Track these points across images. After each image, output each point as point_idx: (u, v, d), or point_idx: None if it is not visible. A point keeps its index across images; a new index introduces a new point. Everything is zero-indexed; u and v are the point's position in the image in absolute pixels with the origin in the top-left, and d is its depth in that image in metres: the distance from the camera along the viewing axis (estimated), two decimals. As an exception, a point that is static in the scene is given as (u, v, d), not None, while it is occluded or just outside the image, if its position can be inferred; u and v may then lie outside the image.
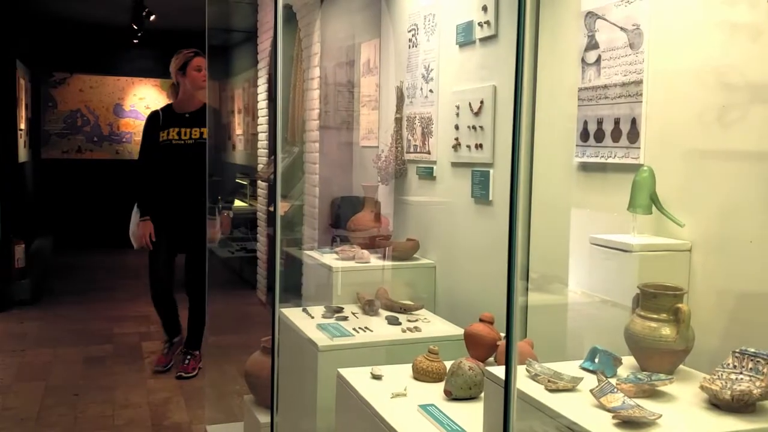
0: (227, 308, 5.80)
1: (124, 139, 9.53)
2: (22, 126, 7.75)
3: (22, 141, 7.66)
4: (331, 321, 2.82)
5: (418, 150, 3.31)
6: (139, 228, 4.20)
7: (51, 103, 9.22)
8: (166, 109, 4.36)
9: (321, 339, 2.57)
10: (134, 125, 9.53)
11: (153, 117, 4.32)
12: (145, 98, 9.55)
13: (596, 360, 1.75)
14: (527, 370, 1.69)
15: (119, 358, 4.63)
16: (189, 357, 4.38)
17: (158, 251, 4.27)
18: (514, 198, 1.05)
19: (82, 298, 6.29)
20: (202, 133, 4.22)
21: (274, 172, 2.62)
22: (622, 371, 1.72)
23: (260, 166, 6.25)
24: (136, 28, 7.70)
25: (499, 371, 1.68)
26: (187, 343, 4.45)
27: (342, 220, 4.04)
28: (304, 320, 2.86)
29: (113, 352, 4.75)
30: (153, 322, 5.57)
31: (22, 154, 7.73)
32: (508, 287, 1.12)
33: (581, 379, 1.65)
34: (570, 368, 1.75)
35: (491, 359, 2.27)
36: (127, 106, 9.47)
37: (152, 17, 7.13)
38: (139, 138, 10.16)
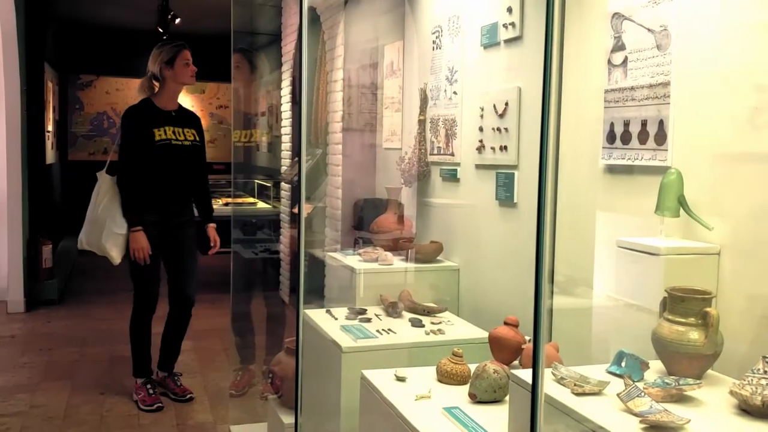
0: (252, 310, 5.83)
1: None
2: (50, 128, 7.86)
3: (49, 143, 7.76)
4: (355, 322, 2.82)
5: (442, 152, 3.30)
6: (133, 240, 3.62)
7: (78, 106, 9.35)
8: (147, 104, 3.77)
9: (345, 340, 2.57)
10: (159, 127, 9.63)
11: (138, 112, 3.74)
12: (170, 101, 9.64)
13: (623, 364, 1.74)
14: (553, 374, 1.68)
15: (144, 358, 4.66)
16: (178, 377, 4.04)
17: (153, 267, 3.74)
18: (542, 201, 1.05)
19: (107, 298, 6.36)
20: (195, 135, 3.85)
21: (299, 174, 2.63)
22: (649, 375, 1.70)
23: (283, 168, 6.27)
24: (161, 31, 7.77)
25: (525, 374, 1.67)
26: (169, 364, 4.03)
27: (365, 222, 4.04)
28: (328, 321, 2.86)
29: (138, 351, 4.79)
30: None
31: (50, 156, 7.84)
32: (536, 290, 1.11)
33: (608, 383, 1.63)
34: (596, 372, 1.73)
35: (516, 362, 2.26)
36: (152, 108, 9.57)
37: (177, 20, 7.20)
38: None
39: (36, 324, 5.50)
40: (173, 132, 3.74)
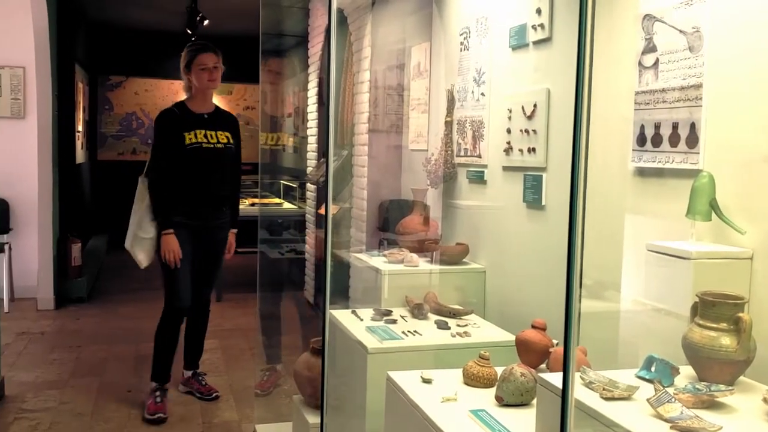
0: (277, 309, 5.86)
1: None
2: (80, 128, 7.98)
3: (79, 143, 7.88)
4: (380, 324, 2.82)
5: (469, 153, 3.29)
6: (163, 243, 3.56)
7: (107, 106, 9.47)
8: (182, 107, 3.73)
9: (370, 341, 2.58)
10: (187, 128, 9.73)
11: (170, 116, 3.69)
12: (197, 101, 9.73)
13: (653, 369, 1.72)
14: (581, 378, 1.67)
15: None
16: (203, 377, 4.03)
17: (184, 270, 3.66)
18: (575, 204, 1.04)
19: (135, 297, 6.44)
20: (228, 138, 3.75)
21: (326, 176, 2.64)
22: (680, 381, 1.68)
23: (309, 169, 6.30)
24: (190, 32, 7.85)
25: (553, 378, 1.66)
26: (194, 363, 4.02)
27: (390, 223, 4.05)
28: (353, 322, 2.87)
29: (165, 350, 4.84)
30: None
31: (80, 156, 7.96)
32: (567, 294, 1.10)
33: (637, 387, 1.62)
34: (625, 376, 1.72)
35: (543, 366, 2.25)
36: (180, 109, 9.67)
37: (206, 22, 7.26)
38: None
39: (65, 321, 5.57)
40: (204, 135, 3.66)
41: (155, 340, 3.79)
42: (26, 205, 6.09)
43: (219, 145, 3.69)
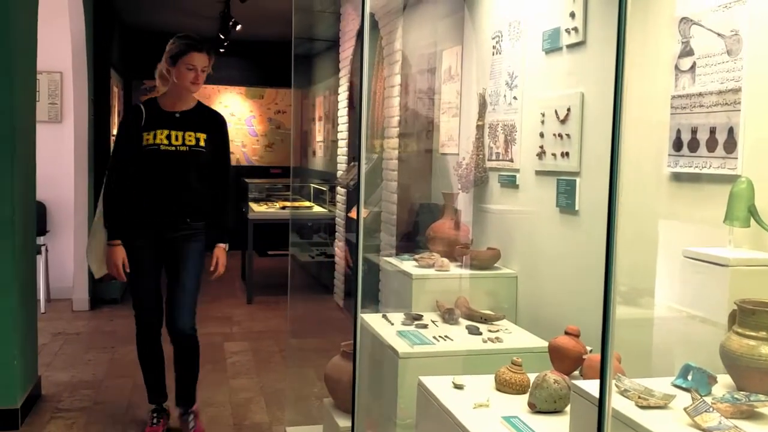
0: (306, 312, 5.89)
1: (209, 145, 9.83)
2: (115, 131, 8.10)
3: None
4: (411, 328, 2.82)
5: (501, 158, 3.28)
6: (108, 254, 3.22)
7: (141, 110, 9.60)
8: (151, 104, 3.29)
9: (401, 346, 2.58)
10: (219, 132, 9.83)
11: (134, 112, 3.29)
12: (230, 106, 9.83)
13: (689, 377, 1.69)
14: (616, 386, 1.65)
15: (202, 358, 4.73)
16: (192, 416, 3.47)
17: (143, 282, 3.31)
18: (613, 210, 1.03)
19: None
20: (199, 140, 3.25)
21: (358, 180, 2.64)
22: (717, 390, 1.65)
23: (340, 173, 6.32)
24: (222, 37, 7.93)
25: (588, 385, 1.65)
26: (183, 400, 3.48)
27: (421, 227, 4.04)
28: (384, 326, 2.87)
29: (197, 351, 4.89)
30: (235, 323, 5.72)
31: (114, 159, 8.07)
32: (605, 300, 1.09)
33: (674, 396, 1.59)
34: (660, 385, 1.69)
35: (576, 373, 2.23)
36: (212, 113, 9.77)
37: (238, 27, 7.33)
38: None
39: (100, 322, 5.66)
40: (168, 136, 3.19)
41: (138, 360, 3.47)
42: (62, 208, 6.20)
43: (183, 148, 3.21)
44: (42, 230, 6.04)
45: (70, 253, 6.09)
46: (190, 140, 3.23)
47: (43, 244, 5.91)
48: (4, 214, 3.44)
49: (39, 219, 5.94)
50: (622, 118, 1.10)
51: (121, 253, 3.22)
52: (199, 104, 3.39)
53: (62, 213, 6.22)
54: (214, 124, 3.37)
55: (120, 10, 7.71)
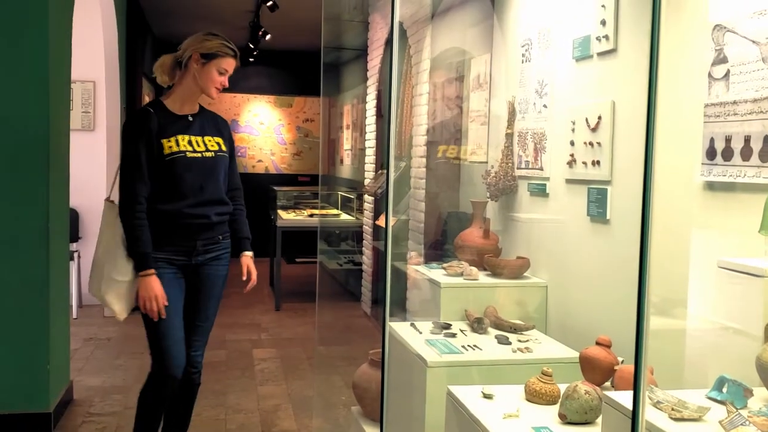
0: (334, 319, 5.90)
1: (239, 153, 9.93)
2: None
3: (145, 154, 8.10)
4: (440, 337, 2.81)
5: (530, 166, 3.26)
6: (142, 288, 2.68)
7: (172, 119, 9.74)
8: (159, 107, 2.83)
9: (430, 355, 2.57)
10: (248, 140, 9.93)
11: (144, 117, 2.78)
12: (259, 114, 9.93)
13: (724, 390, 1.67)
14: (649, 397, 1.63)
15: (232, 364, 4.79)
16: None
17: (172, 322, 2.80)
18: (647, 218, 1.02)
19: (196, 305, 6.56)
20: (220, 145, 2.89)
21: (386, 188, 2.65)
22: (754, 403, 1.62)
23: (367, 181, 6.34)
24: (252, 47, 8.01)
25: (620, 397, 1.63)
26: None
27: (449, 235, 4.03)
28: (412, 335, 2.87)
29: (226, 358, 4.92)
30: (263, 330, 5.75)
31: (145, 167, 8.18)
32: (638, 311, 1.08)
33: (708, 409, 1.57)
34: (694, 397, 1.67)
35: (607, 384, 2.20)
36: (242, 122, 9.87)
37: (268, 36, 7.40)
38: (254, 152, 10.72)
39: (129, 327, 5.71)
40: (189, 142, 2.80)
41: (137, 407, 2.93)
42: (94, 215, 6.27)
43: (208, 154, 2.84)
44: (74, 236, 6.14)
45: (101, 259, 6.18)
46: (212, 145, 2.86)
47: (76, 251, 6.00)
48: (38, 222, 3.50)
49: (71, 225, 6.03)
50: (655, 126, 1.09)
51: (158, 284, 2.70)
52: (201, 107, 2.98)
53: (94, 220, 6.29)
54: (225, 128, 3.03)
55: (151, 21, 7.83)
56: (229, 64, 2.85)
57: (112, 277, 2.71)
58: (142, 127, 2.74)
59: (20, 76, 3.45)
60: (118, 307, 2.75)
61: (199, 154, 2.81)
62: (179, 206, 2.78)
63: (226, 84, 2.87)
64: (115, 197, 2.79)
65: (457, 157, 4.29)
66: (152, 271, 2.71)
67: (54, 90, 3.58)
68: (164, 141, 2.75)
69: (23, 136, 3.46)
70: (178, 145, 2.77)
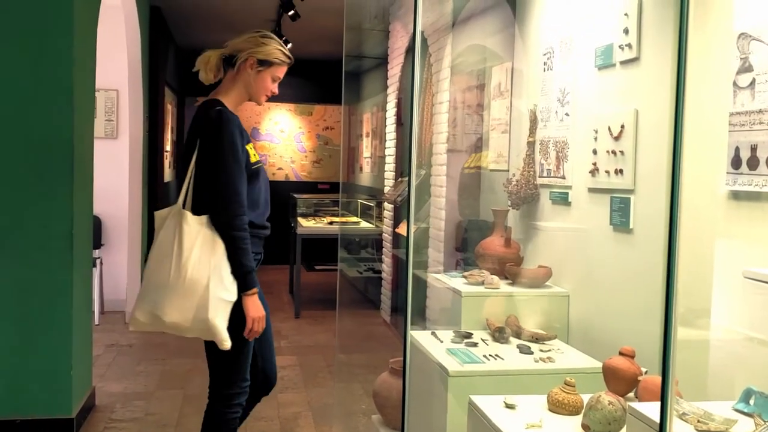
0: (354, 328, 5.90)
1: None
2: (168, 148, 8.29)
3: (167, 162, 8.18)
4: (461, 346, 2.80)
5: (552, 174, 3.25)
6: (253, 308, 2.44)
7: (193, 127, 9.81)
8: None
9: (451, 364, 2.56)
10: (269, 148, 9.98)
11: (237, 121, 2.50)
12: (279, 122, 9.98)
13: (751, 402, 1.64)
14: (674, 409, 1.61)
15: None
16: None
17: (267, 337, 2.70)
18: (674, 229, 1.01)
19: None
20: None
21: (408, 196, 2.65)
22: (782, 416, 1.60)
23: (387, 188, 6.34)
24: (272, 56, 8.04)
25: (645, 408, 1.61)
26: None
27: (469, 243, 4.02)
28: (433, 344, 2.86)
29: (245, 365, 4.94)
30: (283, 337, 5.76)
31: (167, 174, 8.26)
32: (665, 321, 1.07)
33: (735, 421, 1.55)
34: (720, 408, 1.65)
35: (631, 394, 2.18)
36: (263, 130, 9.93)
37: (289, 45, 7.43)
38: (275, 159, 10.77)
39: (151, 334, 5.72)
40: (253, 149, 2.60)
41: None
42: (117, 222, 6.36)
43: (263, 165, 2.65)
44: (97, 243, 6.20)
45: (123, 266, 6.23)
46: (258, 156, 2.64)
47: (98, 257, 6.06)
48: (63, 228, 3.54)
49: (94, 232, 6.10)
50: (683, 135, 1.08)
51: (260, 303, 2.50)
52: None
53: (117, 227, 6.38)
54: None
55: (173, 30, 7.91)
56: (283, 72, 2.66)
57: (221, 298, 2.35)
58: (241, 132, 2.49)
59: (46, 85, 3.50)
60: (225, 334, 2.37)
61: (261, 164, 2.61)
62: (263, 217, 2.60)
63: (276, 92, 2.67)
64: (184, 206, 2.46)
65: (478, 166, 4.27)
66: (256, 289, 2.48)
67: (79, 98, 3.63)
68: (248, 147, 2.52)
69: (49, 143, 3.51)
70: (255, 154, 2.57)
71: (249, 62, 2.57)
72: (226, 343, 2.37)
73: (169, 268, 2.36)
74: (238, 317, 2.41)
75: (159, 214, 2.50)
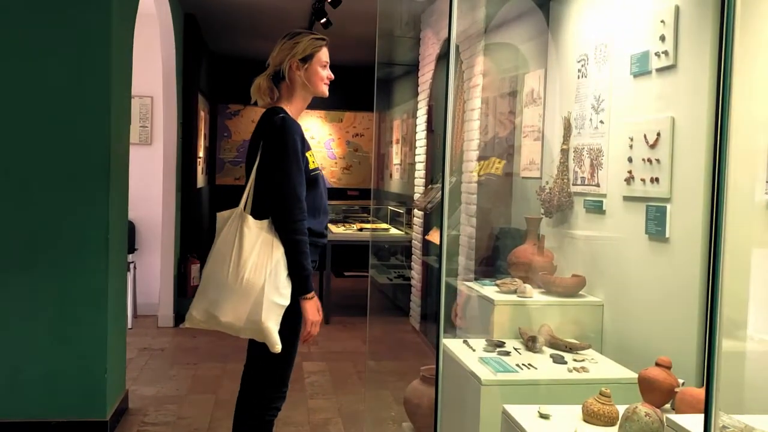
0: (383, 335, 5.90)
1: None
2: (201, 154, 8.39)
3: (200, 168, 8.28)
4: (493, 355, 2.79)
5: (586, 182, 3.22)
6: (311, 312, 2.49)
7: (226, 133, 9.92)
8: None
9: (484, 373, 2.55)
10: (298, 154, 10.05)
11: (299, 128, 2.54)
12: (310, 129, 10.04)
13: (794, 416, 1.61)
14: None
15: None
16: None
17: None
18: (720, 237, 1.00)
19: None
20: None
21: (441, 203, 2.64)
22: (826, 431, 1.56)
23: (416, 195, 6.34)
24: (304, 62, 8.10)
25: (684, 420, 1.59)
26: None
27: (501, 252, 4.00)
28: (465, 352, 2.85)
29: (276, 370, 4.96)
30: (312, 343, 5.77)
31: (200, 180, 8.35)
32: (709, 332, 1.05)
33: (778, 436, 1.52)
34: (760, 422, 1.61)
35: (667, 406, 2.15)
36: (293, 136, 10.01)
37: (329, 28, 7.48)
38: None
39: (183, 338, 5.82)
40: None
41: None
42: (150, 227, 6.45)
43: (321, 171, 2.69)
44: (131, 248, 6.29)
45: (156, 270, 6.31)
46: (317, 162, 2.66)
47: (132, 262, 6.14)
48: (99, 233, 3.60)
49: (128, 237, 6.20)
50: (728, 144, 1.06)
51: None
52: None
53: (150, 232, 6.46)
54: None
55: (207, 37, 8.01)
56: (326, 54, 2.64)
57: (274, 302, 2.38)
58: (302, 139, 2.52)
59: (85, 94, 3.56)
60: (276, 336, 2.39)
61: (319, 171, 2.63)
62: (322, 225, 2.62)
63: (332, 76, 2.66)
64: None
65: (489, 173, 4.25)
66: (314, 292, 2.52)
67: (115, 104, 3.69)
68: (308, 155, 2.55)
69: (87, 151, 3.57)
70: (314, 161, 2.60)
71: (293, 67, 2.58)
72: (278, 347, 2.39)
73: (227, 269, 2.39)
74: (289, 322, 2.44)
75: (221, 216, 2.54)
